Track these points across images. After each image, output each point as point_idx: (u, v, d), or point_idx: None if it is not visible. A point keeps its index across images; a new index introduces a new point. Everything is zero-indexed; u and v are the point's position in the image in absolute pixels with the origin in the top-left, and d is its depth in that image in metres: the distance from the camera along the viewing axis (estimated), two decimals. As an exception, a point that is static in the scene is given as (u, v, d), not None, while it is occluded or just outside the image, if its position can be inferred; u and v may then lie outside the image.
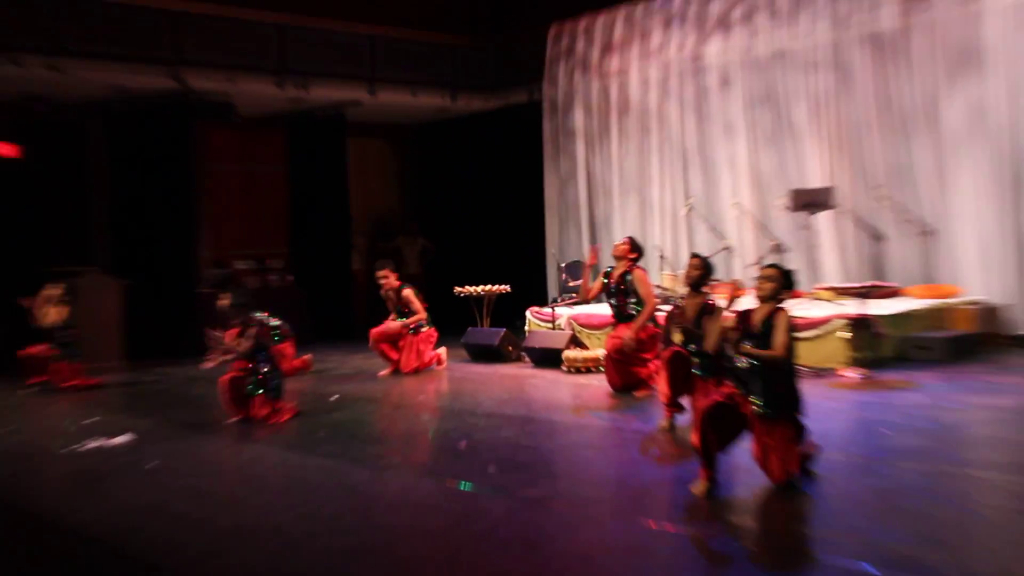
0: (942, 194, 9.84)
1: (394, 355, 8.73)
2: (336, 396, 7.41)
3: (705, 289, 5.68)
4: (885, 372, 7.78)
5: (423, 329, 8.77)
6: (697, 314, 5.40)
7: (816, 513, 4.06)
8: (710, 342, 4.51)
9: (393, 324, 8.79)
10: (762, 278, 4.28)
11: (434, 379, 8.40)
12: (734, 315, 4.34)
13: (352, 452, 5.34)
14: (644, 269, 7.25)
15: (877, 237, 10.45)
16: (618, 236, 12.54)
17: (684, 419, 5.84)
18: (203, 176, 12.37)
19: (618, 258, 7.29)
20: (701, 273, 5.65)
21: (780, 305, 4.25)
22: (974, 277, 9.58)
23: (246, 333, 6.27)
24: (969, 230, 9.59)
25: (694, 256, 5.83)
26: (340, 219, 12.91)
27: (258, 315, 6.57)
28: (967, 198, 9.60)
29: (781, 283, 4.26)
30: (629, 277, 7.11)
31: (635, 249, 7.29)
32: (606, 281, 7.24)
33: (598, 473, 4.86)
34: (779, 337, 4.13)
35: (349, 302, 13.05)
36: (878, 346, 8.24)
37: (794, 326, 4.18)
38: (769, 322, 4.20)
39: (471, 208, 14.00)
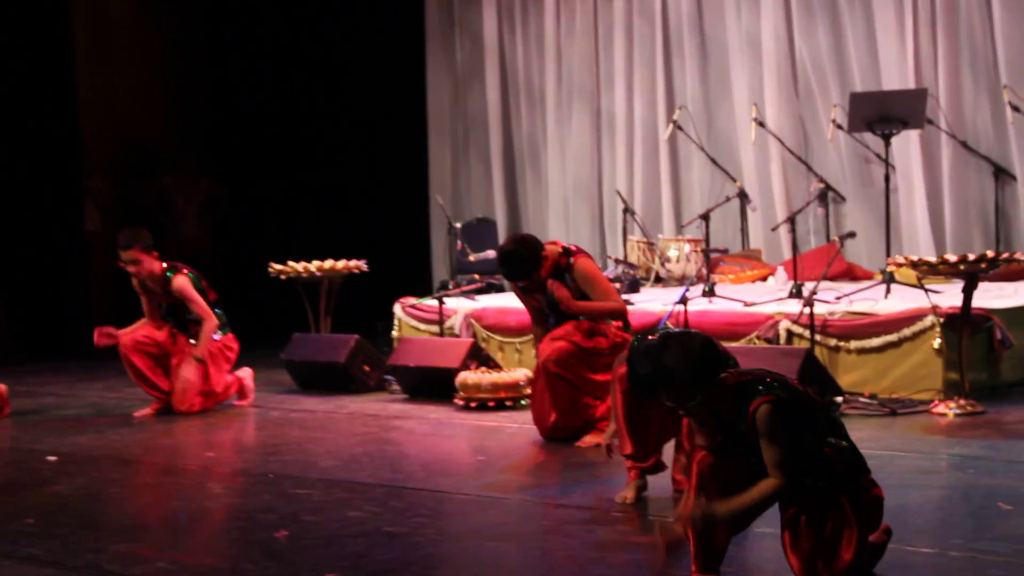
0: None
1: (161, 383, 8.88)
2: (54, 457, 7.50)
3: None
4: (1008, 406, 7.94)
5: (215, 336, 8.92)
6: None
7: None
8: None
9: (156, 331, 8.87)
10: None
11: (233, 422, 8.57)
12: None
13: (81, 554, 5.32)
14: (589, 255, 7.48)
15: (1000, 174, 10.60)
16: (553, 177, 12.62)
17: (663, 485, 5.93)
18: None
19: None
20: None
21: (763, 394, 4.18)
22: None
23: None
24: None
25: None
26: (60, 144, 12.85)
27: None
28: None
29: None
30: (567, 273, 7.37)
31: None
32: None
33: None
34: (768, 454, 4.14)
35: (79, 289, 13.16)
36: (997, 361, 8.32)
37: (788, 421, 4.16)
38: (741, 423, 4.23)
39: (294, 129, 14.17)
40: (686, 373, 4.13)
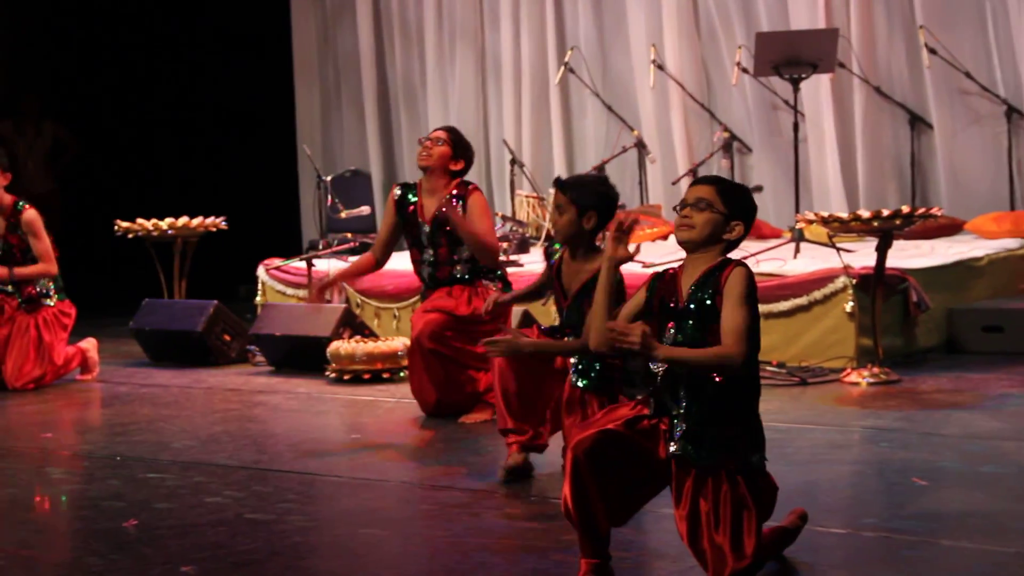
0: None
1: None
2: None
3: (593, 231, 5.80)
4: (924, 374, 8.05)
5: (48, 302, 8.78)
6: (582, 285, 5.68)
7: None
8: (594, 335, 4.56)
9: None
10: (690, 204, 4.34)
11: (75, 399, 8.51)
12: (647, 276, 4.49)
13: None
14: (480, 191, 7.48)
15: (916, 122, 10.73)
16: (431, 122, 12.63)
17: (551, 460, 5.95)
18: None
19: (428, 169, 7.46)
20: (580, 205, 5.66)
21: (729, 257, 4.34)
22: None
23: None
24: None
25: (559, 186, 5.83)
26: None
27: None
28: None
29: (724, 212, 4.32)
30: (444, 210, 7.35)
31: (459, 151, 7.47)
32: (406, 220, 7.55)
33: (395, 572, 4.88)
34: (730, 319, 4.21)
35: None
36: (913, 326, 8.43)
37: (756, 295, 4.29)
38: (708, 289, 4.29)
39: (149, 70, 14.09)
40: None
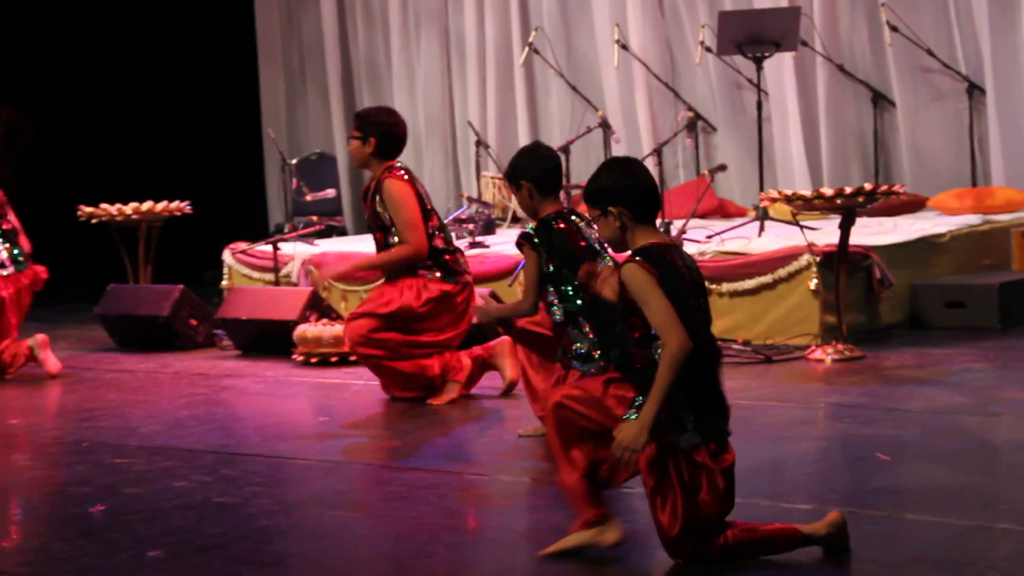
0: (999, 21, 10.38)
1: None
2: None
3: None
4: (888, 350, 8.07)
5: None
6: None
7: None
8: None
9: None
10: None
11: (41, 385, 8.45)
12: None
13: None
14: (403, 174, 7.16)
15: (878, 100, 10.77)
16: (398, 104, 12.66)
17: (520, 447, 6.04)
18: None
19: (354, 155, 7.35)
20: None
21: (637, 248, 4.42)
22: None
23: None
24: None
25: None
26: None
27: None
28: None
29: (602, 211, 4.45)
30: (378, 194, 7.16)
31: (366, 134, 7.18)
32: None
33: (364, 554, 4.82)
34: (651, 316, 4.31)
35: None
36: (876, 303, 8.46)
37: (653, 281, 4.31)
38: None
39: (109, 53, 13.95)
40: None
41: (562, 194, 9.87)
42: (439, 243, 7.09)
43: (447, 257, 7.09)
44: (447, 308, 7.10)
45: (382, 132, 7.12)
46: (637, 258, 4.30)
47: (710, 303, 4.52)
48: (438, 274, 7.07)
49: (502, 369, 7.08)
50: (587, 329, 5.81)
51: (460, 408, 7.08)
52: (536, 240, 5.92)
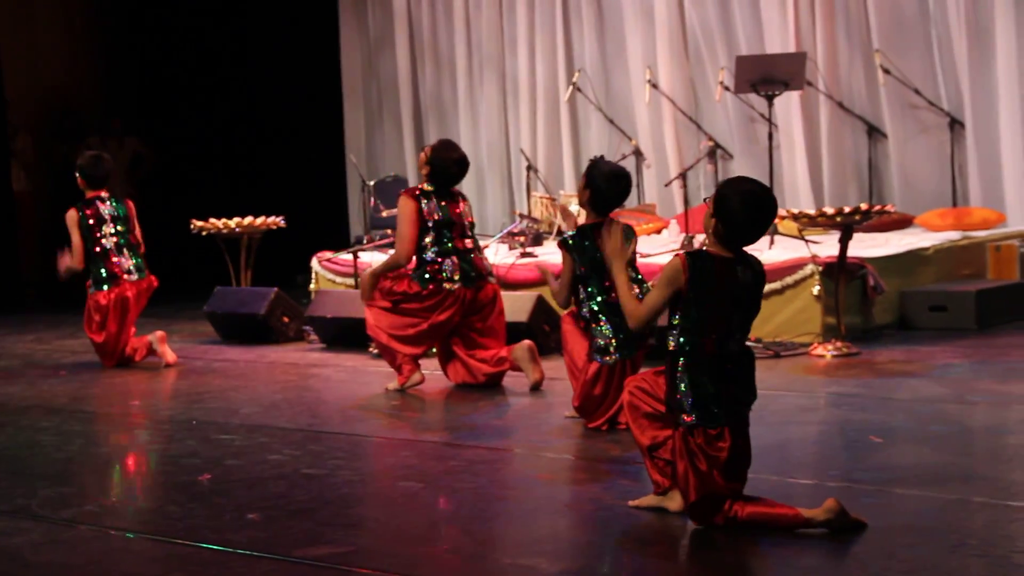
0: (976, 65, 10.28)
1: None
2: None
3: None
4: (880, 347, 8.04)
5: (92, 291, 8.60)
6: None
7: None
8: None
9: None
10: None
11: (159, 373, 8.44)
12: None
13: (13, 498, 5.24)
14: (409, 195, 7.17)
15: (873, 133, 10.70)
16: (463, 135, 12.62)
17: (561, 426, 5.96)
18: None
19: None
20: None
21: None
22: (1021, 197, 10.11)
23: None
24: (1017, 123, 10.11)
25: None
26: None
27: None
28: (1016, 74, 10.07)
29: None
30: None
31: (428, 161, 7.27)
32: None
33: (428, 519, 4.80)
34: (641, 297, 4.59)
35: (8, 245, 13.00)
36: (870, 306, 8.43)
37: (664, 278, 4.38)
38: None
39: (216, 92, 14.04)
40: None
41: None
42: (429, 255, 7.06)
43: (429, 267, 7.07)
44: (413, 301, 7.10)
45: (428, 161, 7.22)
46: (684, 254, 4.32)
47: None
48: (415, 276, 7.11)
49: (525, 371, 6.99)
50: (606, 325, 5.80)
51: (512, 393, 7.05)
52: (571, 244, 5.94)
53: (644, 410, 4.46)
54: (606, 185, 6.02)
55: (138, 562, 4.39)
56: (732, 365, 4.31)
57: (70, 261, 8.54)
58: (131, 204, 8.79)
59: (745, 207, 4.26)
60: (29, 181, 13.21)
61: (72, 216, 8.52)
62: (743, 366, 4.36)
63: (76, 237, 8.50)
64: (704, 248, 4.35)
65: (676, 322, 4.30)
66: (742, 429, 4.33)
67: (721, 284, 4.27)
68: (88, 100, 13.98)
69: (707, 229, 4.37)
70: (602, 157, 6.30)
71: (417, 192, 7.14)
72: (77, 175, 8.61)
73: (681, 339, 4.29)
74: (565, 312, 6.27)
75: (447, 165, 7.14)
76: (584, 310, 5.94)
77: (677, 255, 4.34)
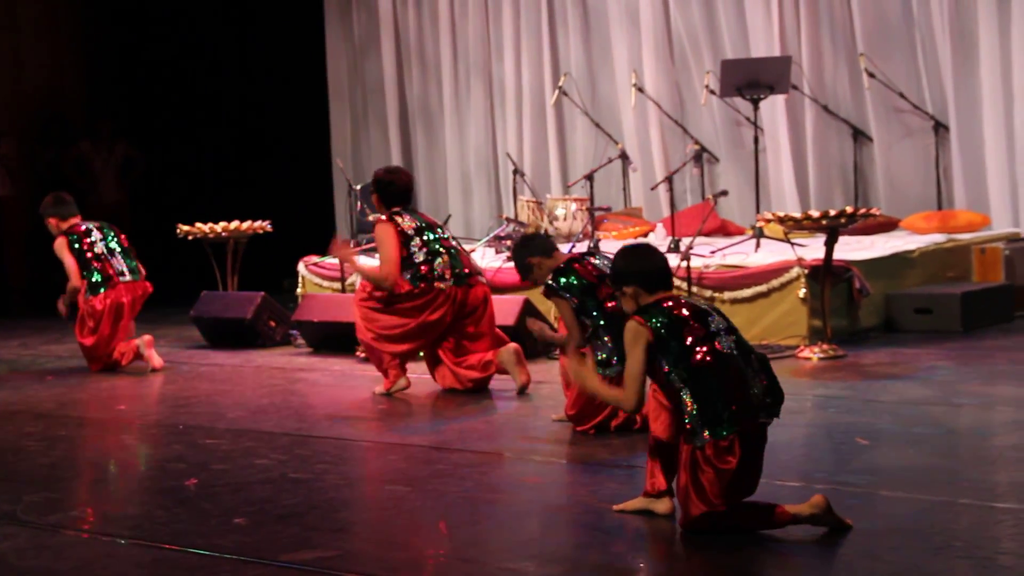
0: (960, 69, 10.30)
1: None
2: None
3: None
4: (866, 350, 8.05)
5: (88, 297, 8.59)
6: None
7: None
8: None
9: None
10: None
11: (145, 377, 8.43)
12: None
13: (0, 504, 5.23)
14: (383, 220, 7.25)
15: (858, 136, 10.73)
16: (449, 139, 12.60)
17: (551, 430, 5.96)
18: None
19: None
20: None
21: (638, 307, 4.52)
22: (1005, 200, 10.12)
23: None
24: (1000, 127, 10.11)
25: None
26: None
27: None
28: (999, 77, 10.09)
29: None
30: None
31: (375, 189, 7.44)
32: None
33: (415, 523, 4.79)
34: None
35: None
36: (856, 309, 8.44)
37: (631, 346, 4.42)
38: None
39: (202, 96, 13.99)
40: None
41: (586, 218, 9.92)
42: (419, 256, 7.13)
43: (420, 268, 7.13)
44: (405, 301, 7.14)
45: (378, 188, 7.37)
46: (636, 314, 4.38)
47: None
48: (407, 276, 7.13)
49: (512, 375, 7.02)
50: (607, 340, 5.81)
51: (499, 397, 7.05)
52: (557, 287, 5.96)
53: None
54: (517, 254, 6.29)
55: (124, 567, 4.38)
56: (737, 366, 4.31)
57: (68, 289, 8.53)
58: (114, 226, 8.83)
59: (635, 258, 4.51)
60: (13, 186, 13.15)
61: (60, 242, 8.56)
62: (748, 366, 4.35)
63: (69, 259, 8.53)
64: (651, 302, 4.42)
65: (665, 365, 4.31)
66: (755, 442, 4.31)
67: (678, 310, 4.35)
68: (73, 104, 13.93)
69: (632, 308, 4.44)
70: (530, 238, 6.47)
71: (388, 215, 7.24)
72: (45, 219, 8.62)
73: (675, 371, 4.29)
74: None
75: (379, 186, 7.35)
76: (588, 326, 5.96)
77: (629, 319, 4.38)
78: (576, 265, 6.02)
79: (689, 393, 4.28)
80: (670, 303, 4.37)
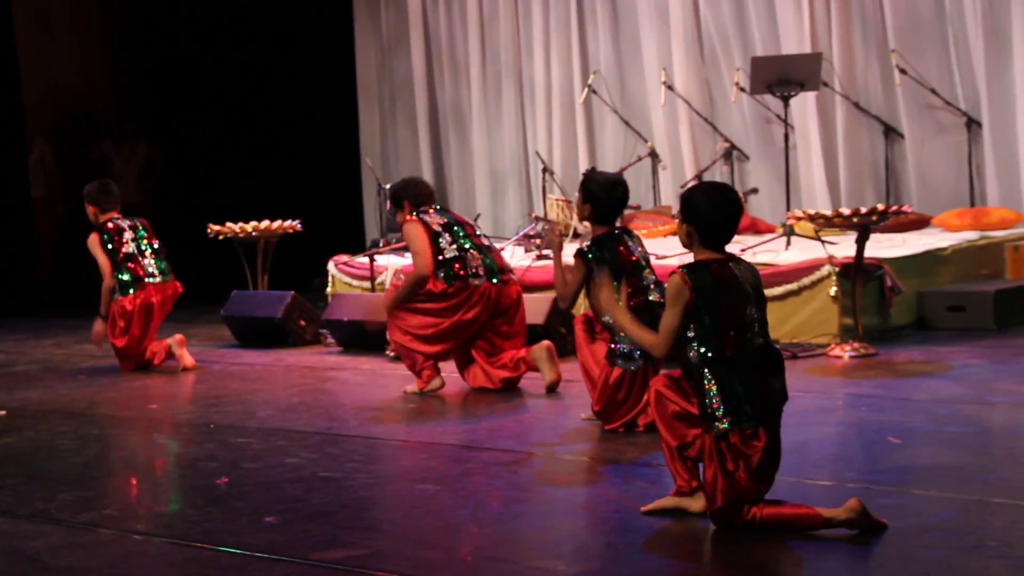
0: (993, 65, 10.27)
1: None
2: (3, 411, 7.39)
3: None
4: (898, 348, 8.01)
5: (117, 297, 8.61)
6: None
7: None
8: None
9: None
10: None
11: (176, 377, 8.46)
12: None
13: (32, 501, 5.26)
14: (411, 219, 7.24)
15: (889, 133, 10.70)
16: (478, 138, 12.60)
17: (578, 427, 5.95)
18: None
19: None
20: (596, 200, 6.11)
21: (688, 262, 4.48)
22: None
23: None
24: None
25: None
26: (3, 113, 12.72)
27: None
28: None
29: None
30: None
31: (405, 195, 7.43)
32: None
33: (445, 522, 4.78)
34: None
35: (26, 251, 12.99)
36: (888, 307, 8.38)
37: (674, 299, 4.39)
38: None
39: (230, 96, 14.07)
40: None
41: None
42: (451, 253, 7.09)
43: (453, 265, 7.09)
44: (439, 300, 7.10)
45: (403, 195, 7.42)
46: (680, 268, 4.32)
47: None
48: (441, 275, 7.09)
49: (542, 372, 6.99)
50: None
51: (529, 395, 7.04)
52: (590, 256, 5.94)
53: (672, 410, 4.44)
54: (604, 194, 6.08)
55: (156, 565, 4.40)
56: (758, 361, 4.29)
57: (104, 289, 8.53)
58: (146, 222, 8.83)
59: (712, 202, 4.36)
60: (46, 187, 13.23)
61: (93, 239, 8.56)
62: (770, 362, 4.33)
63: (102, 257, 8.53)
64: (698, 261, 4.38)
65: (692, 334, 4.30)
66: (775, 429, 4.32)
67: (723, 284, 4.31)
68: (104, 105, 14.02)
69: (686, 243, 4.42)
70: (594, 168, 6.32)
71: (416, 213, 7.23)
72: (87, 203, 8.62)
73: (701, 348, 4.29)
74: (578, 315, 6.29)
75: (394, 192, 7.44)
76: (606, 317, 5.93)
77: (674, 272, 4.34)
78: (621, 248, 6.00)
79: (712, 378, 4.27)
80: (717, 271, 4.31)
